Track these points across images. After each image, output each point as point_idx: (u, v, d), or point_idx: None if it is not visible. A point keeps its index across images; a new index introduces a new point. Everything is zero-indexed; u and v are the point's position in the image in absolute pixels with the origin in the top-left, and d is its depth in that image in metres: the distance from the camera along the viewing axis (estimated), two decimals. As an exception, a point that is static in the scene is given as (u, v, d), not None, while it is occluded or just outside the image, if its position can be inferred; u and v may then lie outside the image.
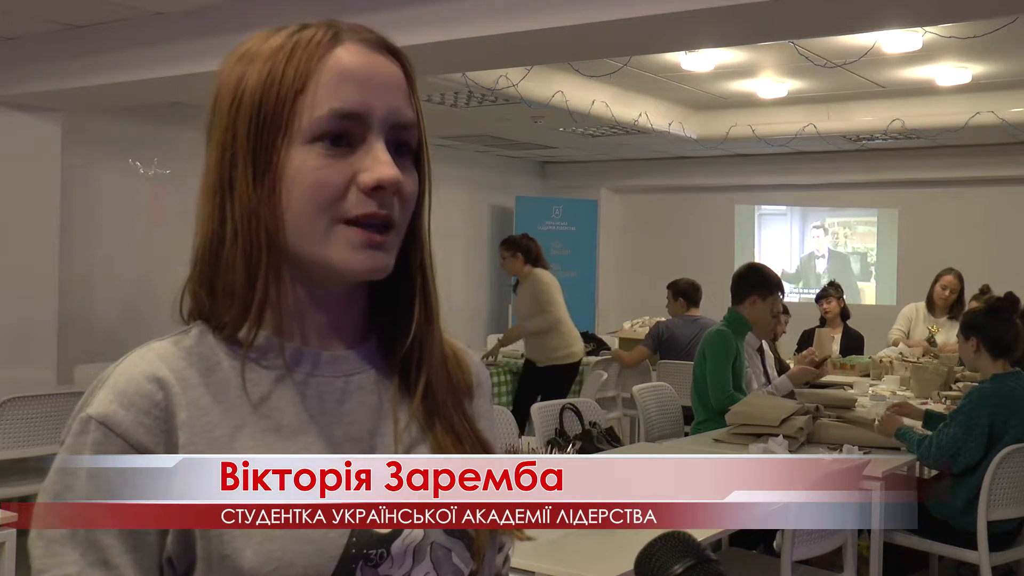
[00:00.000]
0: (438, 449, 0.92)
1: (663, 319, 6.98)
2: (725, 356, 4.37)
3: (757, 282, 4.53)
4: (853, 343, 6.78)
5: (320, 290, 0.90)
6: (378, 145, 0.86)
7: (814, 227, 10.52)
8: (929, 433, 3.83)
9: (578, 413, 4.05)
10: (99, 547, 0.81)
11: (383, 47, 0.89)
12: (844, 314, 6.93)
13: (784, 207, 10.60)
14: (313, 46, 0.86)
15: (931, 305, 6.54)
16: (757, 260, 8.07)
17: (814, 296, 7.35)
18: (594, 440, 3.92)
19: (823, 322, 6.92)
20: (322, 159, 0.84)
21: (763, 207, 10.70)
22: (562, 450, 2.65)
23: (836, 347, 6.73)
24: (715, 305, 6.60)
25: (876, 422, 4.02)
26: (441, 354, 0.97)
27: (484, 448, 0.96)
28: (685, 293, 6.64)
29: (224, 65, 0.90)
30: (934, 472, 4.23)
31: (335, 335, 0.92)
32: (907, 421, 4.03)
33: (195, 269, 0.89)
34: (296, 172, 0.84)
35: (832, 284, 7.12)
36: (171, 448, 0.82)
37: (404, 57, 0.91)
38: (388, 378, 0.94)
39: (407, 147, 0.89)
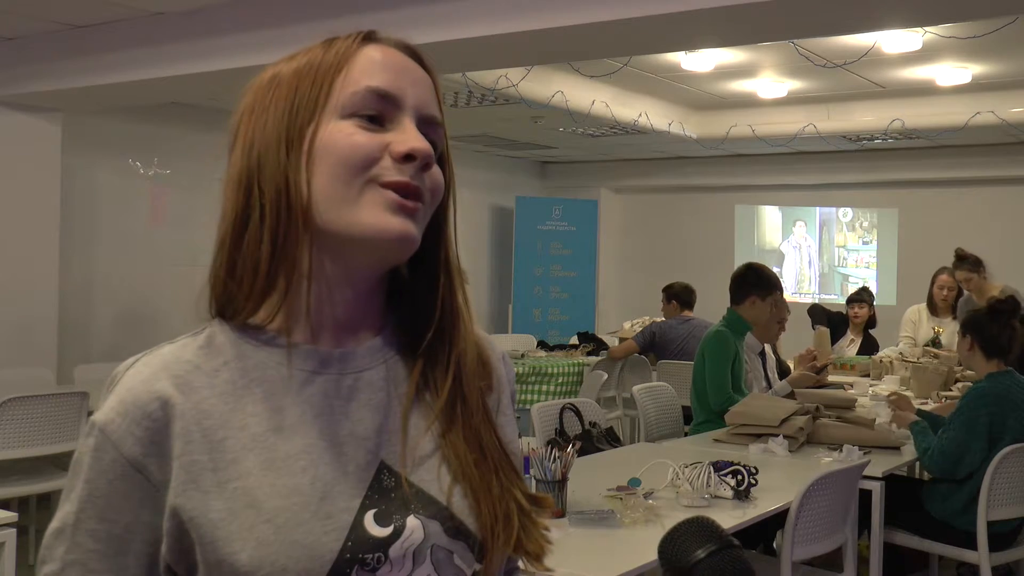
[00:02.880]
0: (453, 456, 0.91)
1: (660, 319, 7.02)
2: (724, 357, 4.37)
3: (755, 282, 4.53)
4: (869, 351, 6.74)
5: (341, 280, 0.90)
6: (409, 123, 0.88)
7: (798, 221, 10.53)
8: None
9: (578, 413, 4.05)
10: (82, 548, 0.84)
11: (412, 52, 0.93)
12: (870, 323, 6.89)
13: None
14: (348, 43, 0.90)
15: (932, 306, 6.53)
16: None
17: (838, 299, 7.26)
18: (594, 440, 3.92)
19: (846, 323, 6.88)
20: (356, 128, 0.87)
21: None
22: (562, 450, 2.65)
23: (853, 353, 6.71)
24: (715, 306, 6.61)
25: (889, 417, 4.02)
26: (471, 353, 0.95)
27: (508, 461, 0.94)
28: (678, 296, 6.79)
29: (250, 88, 0.92)
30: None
31: (349, 330, 0.92)
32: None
33: (218, 254, 0.90)
34: (330, 138, 0.86)
35: (864, 289, 7.06)
36: (163, 458, 0.84)
37: (430, 65, 0.94)
38: (401, 374, 0.93)
39: (434, 146, 0.91)
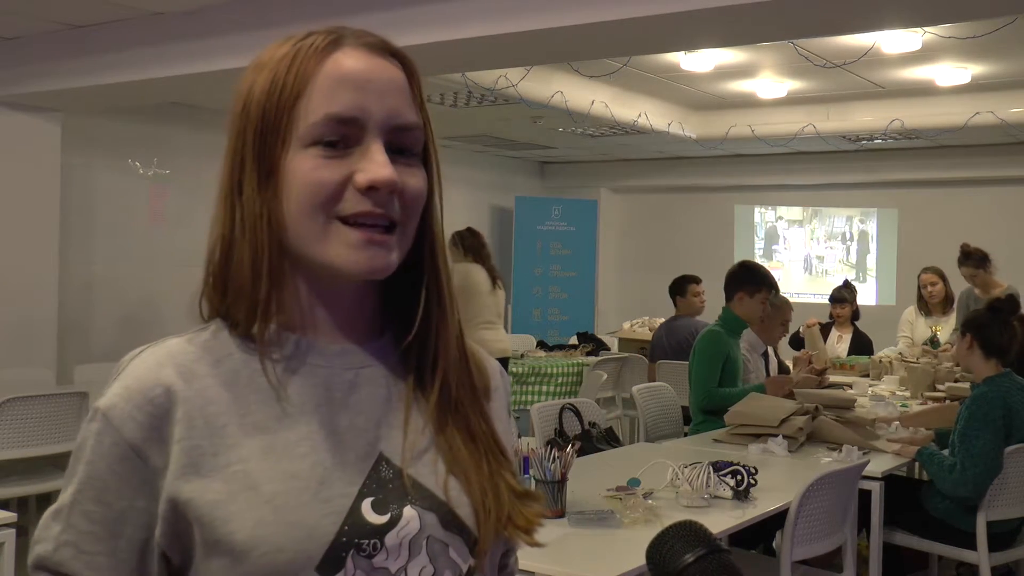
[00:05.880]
0: (447, 449, 0.93)
1: (663, 319, 6.98)
2: (711, 356, 4.40)
3: (744, 279, 4.58)
4: (862, 347, 6.73)
5: (328, 288, 0.92)
6: (375, 147, 0.87)
7: (800, 224, 10.53)
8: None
9: (578, 413, 4.05)
10: (76, 530, 0.85)
11: (385, 50, 0.91)
12: (854, 316, 6.89)
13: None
14: (312, 51, 0.88)
15: (924, 306, 6.55)
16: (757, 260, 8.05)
17: (826, 298, 7.21)
18: (594, 440, 3.92)
19: (832, 320, 6.89)
20: (318, 160, 0.86)
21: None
22: (561, 451, 2.65)
23: (844, 349, 6.71)
24: (713, 306, 6.60)
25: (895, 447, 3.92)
26: (459, 352, 0.97)
27: (499, 449, 0.96)
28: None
29: (244, 75, 0.93)
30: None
31: (346, 330, 0.93)
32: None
33: (208, 270, 0.91)
34: (294, 174, 0.86)
35: (846, 287, 7.04)
36: (162, 443, 0.85)
37: (407, 59, 0.92)
38: (400, 374, 0.95)
39: (410, 149, 0.90)
